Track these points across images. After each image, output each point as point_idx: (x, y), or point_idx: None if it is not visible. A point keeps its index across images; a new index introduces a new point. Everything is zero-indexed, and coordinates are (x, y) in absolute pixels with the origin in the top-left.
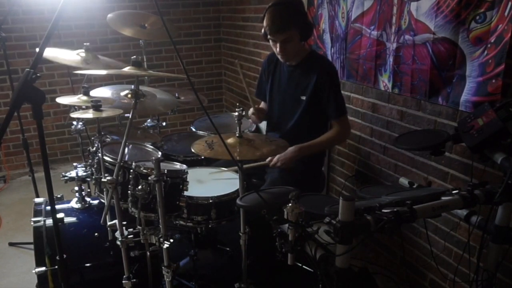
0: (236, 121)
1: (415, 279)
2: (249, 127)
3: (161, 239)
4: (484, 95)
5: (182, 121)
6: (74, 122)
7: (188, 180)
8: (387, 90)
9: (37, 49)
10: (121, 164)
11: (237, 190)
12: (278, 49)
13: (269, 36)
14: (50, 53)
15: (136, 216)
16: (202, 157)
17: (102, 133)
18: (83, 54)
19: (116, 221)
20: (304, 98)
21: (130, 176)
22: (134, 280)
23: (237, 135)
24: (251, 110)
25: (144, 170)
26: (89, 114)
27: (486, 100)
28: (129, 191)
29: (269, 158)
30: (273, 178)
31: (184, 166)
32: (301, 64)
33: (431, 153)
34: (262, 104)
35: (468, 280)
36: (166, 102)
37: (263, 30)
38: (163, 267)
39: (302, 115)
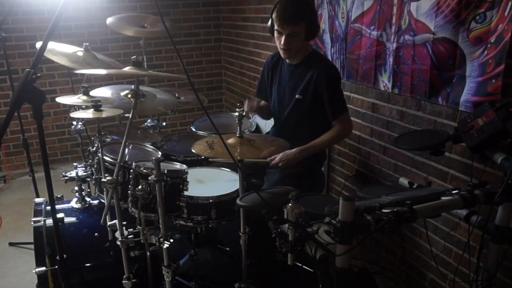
0: (237, 121)
1: (415, 279)
2: (249, 127)
3: (161, 239)
4: (484, 95)
5: (182, 121)
6: (74, 122)
7: (188, 180)
8: (387, 90)
9: (38, 44)
10: (121, 164)
11: (237, 190)
12: (282, 42)
13: (276, 28)
14: (49, 45)
15: (136, 216)
16: (202, 157)
17: (102, 133)
18: (81, 54)
19: (116, 221)
20: (302, 97)
21: (130, 176)
22: (134, 280)
23: (238, 135)
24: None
25: (144, 170)
26: (89, 114)
27: (486, 100)
28: (129, 191)
29: (270, 158)
30: (273, 179)
31: (184, 166)
32: (301, 64)
33: (431, 153)
34: (262, 103)
35: (468, 280)
36: (166, 102)
37: (270, 22)
38: (163, 267)
39: (301, 114)
